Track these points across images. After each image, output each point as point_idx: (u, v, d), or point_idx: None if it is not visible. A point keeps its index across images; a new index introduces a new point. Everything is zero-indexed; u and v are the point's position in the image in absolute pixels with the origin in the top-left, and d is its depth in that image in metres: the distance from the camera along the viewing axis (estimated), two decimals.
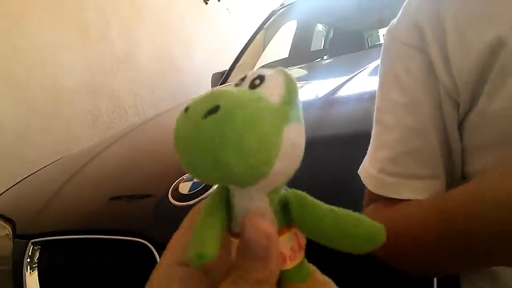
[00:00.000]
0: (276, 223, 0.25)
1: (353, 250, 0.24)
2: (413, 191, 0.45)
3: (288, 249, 0.25)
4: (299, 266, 0.26)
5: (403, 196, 0.46)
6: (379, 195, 0.47)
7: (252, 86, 0.24)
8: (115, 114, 2.69)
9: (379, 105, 0.49)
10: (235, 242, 0.24)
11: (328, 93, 1.07)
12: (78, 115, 2.45)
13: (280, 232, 0.25)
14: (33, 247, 0.95)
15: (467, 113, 0.44)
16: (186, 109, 0.23)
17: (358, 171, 0.51)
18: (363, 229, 0.24)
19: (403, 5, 0.49)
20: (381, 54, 0.51)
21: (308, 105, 1.16)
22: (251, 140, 0.21)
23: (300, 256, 0.26)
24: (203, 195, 0.76)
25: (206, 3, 3.62)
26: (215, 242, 0.24)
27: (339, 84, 1.10)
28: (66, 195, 1.04)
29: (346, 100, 1.03)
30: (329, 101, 1.03)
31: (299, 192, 0.26)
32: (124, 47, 2.79)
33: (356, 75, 1.15)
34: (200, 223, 0.24)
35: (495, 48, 0.39)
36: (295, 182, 0.25)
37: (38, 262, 0.94)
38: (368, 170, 0.49)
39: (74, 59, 2.46)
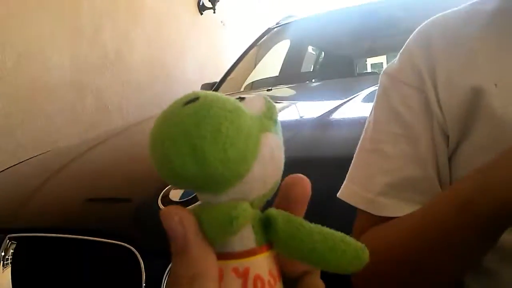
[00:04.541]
0: (254, 239, 0.23)
1: (340, 268, 0.23)
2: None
3: (267, 272, 0.23)
4: None
5: (403, 213, 0.48)
6: (374, 218, 0.49)
7: None
8: (99, 114, 2.65)
9: (375, 136, 0.53)
10: None
11: (323, 114, 1.09)
12: (60, 111, 2.40)
13: (259, 250, 0.23)
14: (9, 242, 0.92)
15: (456, 148, 0.48)
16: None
17: (341, 196, 0.53)
18: (350, 245, 0.23)
19: (401, 51, 0.56)
20: (378, 92, 0.56)
21: (298, 125, 1.18)
22: (229, 129, 0.21)
23: (279, 287, 0.24)
24: (194, 204, 0.76)
25: (201, 14, 3.64)
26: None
27: (333, 107, 1.12)
28: (48, 192, 1.01)
29: (341, 123, 1.05)
30: (324, 122, 1.05)
31: (283, 211, 0.24)
32: (115, 48, 2.77)
33: (349, 100, 1.18)
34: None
35: (477, 94, 0.46)
36: None
37: (12, 259, 0.92)
38: (362, 194, 0.51)
39: (63, 55, 2.42)
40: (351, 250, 0.23)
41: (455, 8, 0.55)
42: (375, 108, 0.55)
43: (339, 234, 0.24)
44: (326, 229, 0.24)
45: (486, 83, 0.45)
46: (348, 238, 0.24)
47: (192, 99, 0.22)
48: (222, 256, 0.23)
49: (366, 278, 0.49)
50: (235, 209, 0.22)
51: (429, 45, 0.52)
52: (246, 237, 0.23)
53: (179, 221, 0.21)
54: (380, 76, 0.56)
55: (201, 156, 0.20)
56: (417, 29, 0.55)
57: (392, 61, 0.56)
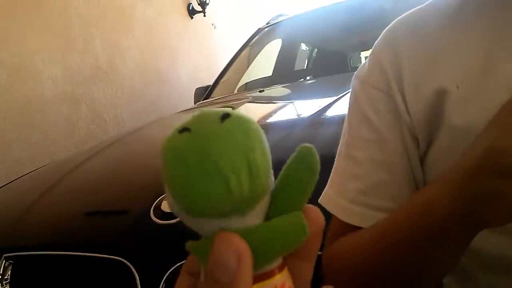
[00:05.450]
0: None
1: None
2: None
3: (291, 281, 0.23)
4: None
5: (368, 223, 0.48)
6: (345, 224, 0.49)
7: None
8: (94, 125, 2.64)
9: (348, 141, 0.53)
10: None
11: (315, 113, 1.08)
12: (55, 125, 2.40)
13: (284, 262, 0.23)
14: (5, 262, 0.92)
15: (426, 150, 0.48)
16: (183, 130, 0.21)
17: (320, 201, 0.53)
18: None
19: (370, 54, 0.55)
20: (350, 97, 0.56)
21: (292, 124, 1.17)
22: (265, 140, 0.22)
23: None
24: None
25: (192, 18, 3.64)
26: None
27: (327, 104, 1.12)
28: (42, 209, 1.01)
29: (333, 121, 1.04)
30: (316, 121, 1.04)
31: None
32: (108, 58, 2.77)
33: (342, 96, 1.17)
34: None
35: (440, 96, 0.45)
36: None
37: (10, 278, 0.91)
38: (336, 200, 0.51)
39: (55, 68, 2.42)
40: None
41: (423, 5, 0.53)
42: (348, 112, 0.55)
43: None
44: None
45: (449, 84, 0.45)
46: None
47: (224, 115, 0.21)
48: (261, 277, 0.22)
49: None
50: (301, 218, 0.22)
51: (395, 46, 0.50)
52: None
53: (235, 253, 0.20)
54: (351, 80, 0.56)
55: (255, 169, 0.20)
56: (385, 30, 0.54)
57: (362, 64, 0.55)
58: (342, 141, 0.54)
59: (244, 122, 0.21)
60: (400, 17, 0.54)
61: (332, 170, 0.54)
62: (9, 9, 2.19)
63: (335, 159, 0.54)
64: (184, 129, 0.21)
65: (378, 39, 0.54)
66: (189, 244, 0.23)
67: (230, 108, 0.23)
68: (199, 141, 0.21)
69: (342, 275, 0.48)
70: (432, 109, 0.46)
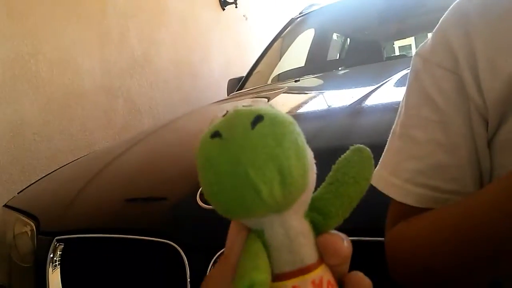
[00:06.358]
0: (316, 251, 0.23)
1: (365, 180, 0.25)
2: (437, 203, 0.46)
3: (331, 275, 0.24)
4: None
5: (427, 206, 0.47)
6: (403, 206, 0.48)
7: None
8: (131, 116, 2.71)
9: (405, 121, 0.51)
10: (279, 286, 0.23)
11: (354, 102, 1.07)
12: (94, 116, 2.47)
13: (322, 258, 0.23)
14: (57, 244, 0.96)
15: (495, 132, 0.46)
16: (215, 135, 0.21)
17: (372, 183, 0.51)
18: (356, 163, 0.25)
19: (434, 31, 0.52)
20: (410, 75, 0.54)
21: (331, 114, 1.17)
22: (301, 141, 0.21)
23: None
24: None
25: (224, 9, 3.65)
26: (266, 269, 0.22)
27: (364, 94, 1.11)
28: (91, 194, 1.05)
29: (373, 110, 1.04)
30: (356, 110, 1.03)
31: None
32: (143, 51, 2.82)
33: (380, 86, 1.16)
34: (246, 255, 0.23)
35: None
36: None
37: (61, 260, 0.95)
38: (389, 179, 0.50)
39: (93, 61, 2.49)
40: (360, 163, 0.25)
41: None
42: (407, 92, 0.53)
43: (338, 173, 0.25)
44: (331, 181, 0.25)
45: None
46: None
47: (256, 119, 0.21)
48: (298, 272, 0.23)
49: (401, 274, 0.48)
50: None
51: (466, 24, 0.48)
52: (315, 249, 0.23)
53: (233, 240, 0.25)
54: (412, 58, 0.54)
55: (288, 177, 0.20)
56: (452, 6, 0.51)
57: (425, 41, 0.53)
58: (396, 121, 0.53)
59: (277, 125, 0.21)
60: None
61: (385, 151, 0.53)
62: (47, 3, 2.26)
63: (388, 140, 0.53)
64: (215, 134, 0.21)
65: (445, 16, 0.52)
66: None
67: (265, 107, 0.22)
68: (230, 149, 0.20)
69: (406, 259, 0.47)
70: (509, 89, 0.43)
